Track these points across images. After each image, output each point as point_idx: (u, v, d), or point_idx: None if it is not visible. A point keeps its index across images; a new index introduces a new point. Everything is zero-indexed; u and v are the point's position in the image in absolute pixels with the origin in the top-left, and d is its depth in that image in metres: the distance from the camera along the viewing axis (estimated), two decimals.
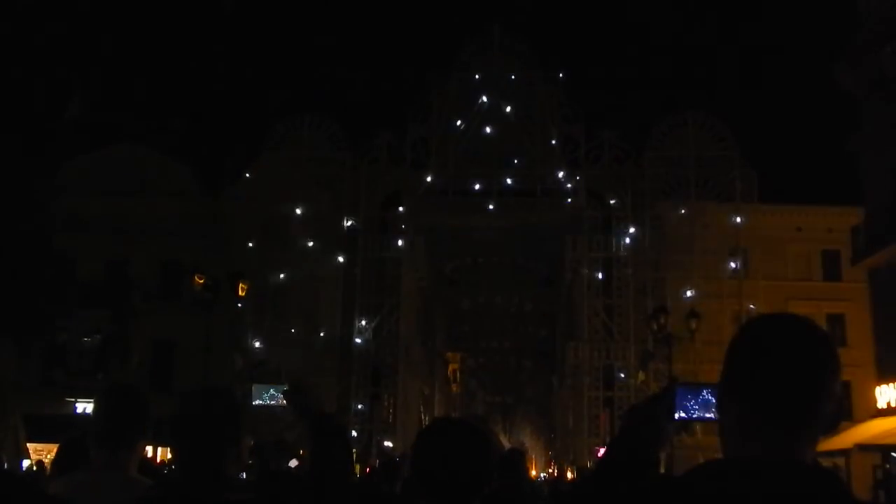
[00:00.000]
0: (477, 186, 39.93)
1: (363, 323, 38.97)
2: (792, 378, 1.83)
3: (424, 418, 48.70)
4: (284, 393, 3.01)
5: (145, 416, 3.26)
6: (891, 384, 27.87)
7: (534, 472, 57.40)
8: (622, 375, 38.08)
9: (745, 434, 1.84)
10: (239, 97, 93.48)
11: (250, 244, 37.36)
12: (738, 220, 37.25)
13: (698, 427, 27.28)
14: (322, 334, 37.82)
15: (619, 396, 37.14)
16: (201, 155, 44.62)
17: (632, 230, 38.32)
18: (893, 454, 26.55)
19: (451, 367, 70.35)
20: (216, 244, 37.32)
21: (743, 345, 1.92)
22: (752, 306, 34.08)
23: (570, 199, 39.56)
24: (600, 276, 39.15)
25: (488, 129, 39.46)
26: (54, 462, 5.46)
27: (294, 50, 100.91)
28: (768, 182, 39.25)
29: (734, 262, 37.52)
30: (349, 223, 39.19)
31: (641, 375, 35.72)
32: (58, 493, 3.17)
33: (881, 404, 28.14)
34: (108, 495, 3.06)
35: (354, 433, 38.07)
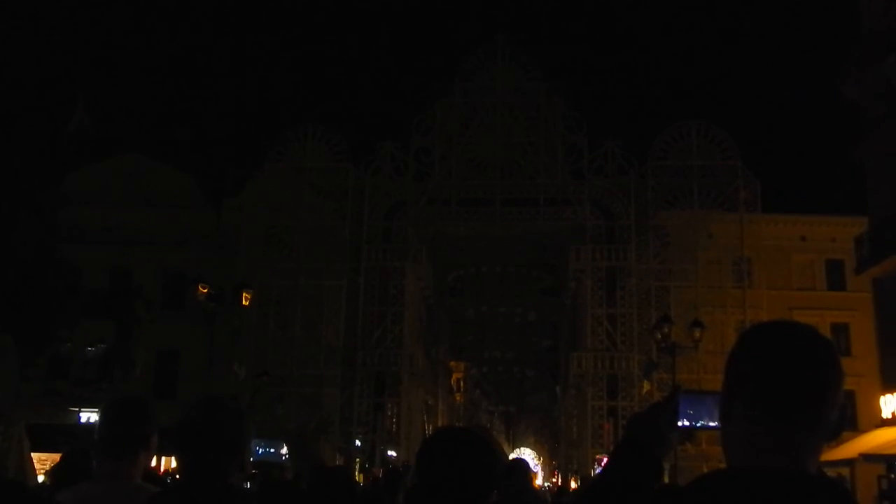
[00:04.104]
0: (480, 196, 39.98)
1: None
2: (795, 385, 1.82)
3: (428, 428, 48.60)
4: (288, 444, 3.01)
5: (149, 426, 3.28)
6: (895, 393, 27.77)
7: (538, 482, 57.25)
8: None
9: (749, 442, 1.83)
10: (242, 108, 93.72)
11: (254, 254, 37.39)
12: (742, 229, 37.26)
13: (703, 436, 27.24)
14: (325, 344, 37.84)
15: (623, 406, 37.07)
16: (205, 165, 44.70)
17: (635, 240, 38.33)
18: None
19: (454, 377, 70.20)
20: (220, 254, 37.37)
21: (744, 352, 1.92)
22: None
23: (573, 209, 39.58)
24: (604, 285, 39.13)
25: (491, 139, 39.51)
26: (53, 472, 5.45)
27: (297, 60, 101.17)
28: (772, 192, 39.22)
29: (738, 271, 37.53)
30: None
31: (646, 385, 35.67)
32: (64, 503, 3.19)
33: (886, 414, 28.01)
34: None
35: (358, 443, 38.05)
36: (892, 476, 27.06)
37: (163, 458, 25.60)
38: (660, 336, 29.82)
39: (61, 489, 3.76)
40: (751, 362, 1.89)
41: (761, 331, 1.95)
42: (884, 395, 28.40)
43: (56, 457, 5.33)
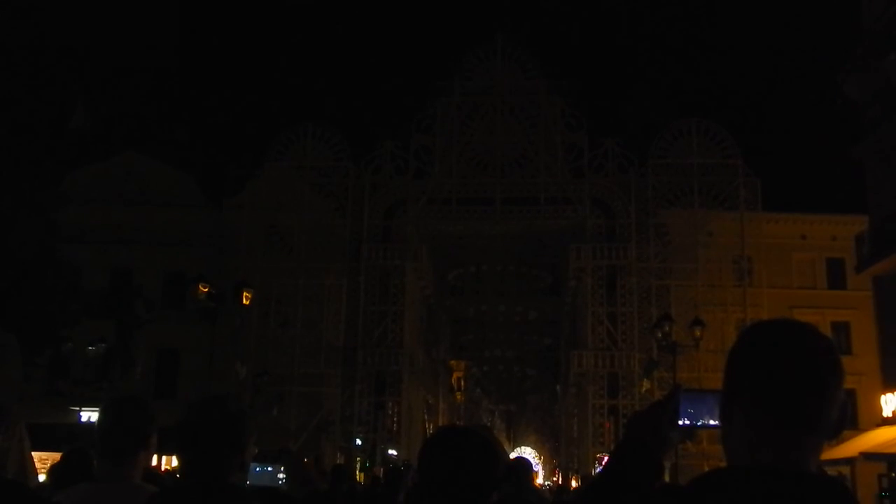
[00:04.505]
0: (480, 195, 39.97)
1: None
2: (795, 384, 1.82)
3: (429, 427, 48.63)
4: (284, 463, 3.02)
5: (149, 426, 3.28)
6: None
7: (538, 481, 57.24)
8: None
9: (750, 441, 1.83)
10: (242, 107, 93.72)
11: (254, 253, 37.37)
12: (743, 228, 37.25)
13: (703, 435, 27.24)
14: (326, 343, 37.84)
15: (624, 404, 37.07)
16: (205, 165, 44.69)
17: (635, 238, 38.32)
18: None
19: (455, 376, 70.19)
20: (220, 254, 37.37)
21: (744, 351, 1.91)
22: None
23: (573, 208, 39.57)
24: (604, 284, 39.12)
25: (492, 138, 39.49)
26: (53, 471, 5.43)
27: (297, 59, 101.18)
28: (772, 190, 39.23)
29: (738, 270, 37.51)
30: None
31: (646, 383, 35.66)
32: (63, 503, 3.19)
33: (886, 413, 28.00)
34: None
35: (359, 442, 38.06)
36: (893, 475, 27.06)
37: (163, 458, 25.62)
38: (660, 334, 29.82)
39: (60, 489, 3.76)
40: (751, 361, 1.88)
41: (761, 329, 1.95)
42: (884, 393, 28.40)
43: (57, 456, 5.33)
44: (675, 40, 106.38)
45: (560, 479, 50.00)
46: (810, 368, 1.83)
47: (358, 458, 37.16)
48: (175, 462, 24.30)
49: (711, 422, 2.05)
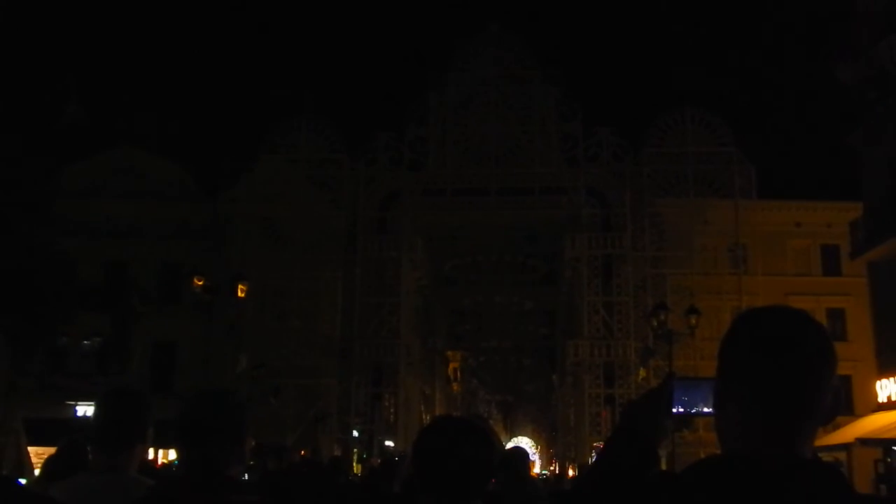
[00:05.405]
0: (475, 185, 39.89)
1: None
2: (787, 370, 1.82)
3: (426, 418, 48.68)
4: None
5: (146, 418, 3.29)
6: (891, 378, 27.83)
7: (536, 471, 57.38)
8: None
9: (744, 428, 1.84)
10: (236, 100, 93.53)
11: (249, 246, 37.31)
12: (737, 216, 37.27)
13: (700, 423, 27.32)
14: (322, 335, 37.83)
15: (620, 393, 37.12)
16: (199, 158, 44.60)
17: (630, 227, 38.31)
18: (894, 448, 26.55)
19: (451, 366, 70.30)
20: (215, 247, 37.32)
21: (736, 338, 1.92)
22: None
23: (568, 197, 39.53)
24: (600, 273, 39.12)
25: (486, 128, 39.41)
26: (47, 464, 5.44)
27: (291, 52, 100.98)
28: (767, 178, 39.21)
29: (734, 258, 37.56)
30: None
31: (642, 372, 35.72)
32: (59, 496, 3.19)
33: (882, 398, 28.12)
34: (109, 497, 3.08)
35: (356, 433, 38.09)
36: (889, 460, 27.17)
37: (160, 451, 25.68)
38: (656, 323, 29.89)
39: (54, 481, 3.76)
40: (743, 347, 1.89)
41: (753, 316, 1.95)
42: (880, 379, 28.52)
43: (53, 451, 5.33)
44: (668, 28, 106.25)
45: (557, 468, 50.17)
46: (802, 354, 1.84)
47: (355, 450, 37.20)
48: (172, 455, 24.32)
49: (705, 409, 2.06)
